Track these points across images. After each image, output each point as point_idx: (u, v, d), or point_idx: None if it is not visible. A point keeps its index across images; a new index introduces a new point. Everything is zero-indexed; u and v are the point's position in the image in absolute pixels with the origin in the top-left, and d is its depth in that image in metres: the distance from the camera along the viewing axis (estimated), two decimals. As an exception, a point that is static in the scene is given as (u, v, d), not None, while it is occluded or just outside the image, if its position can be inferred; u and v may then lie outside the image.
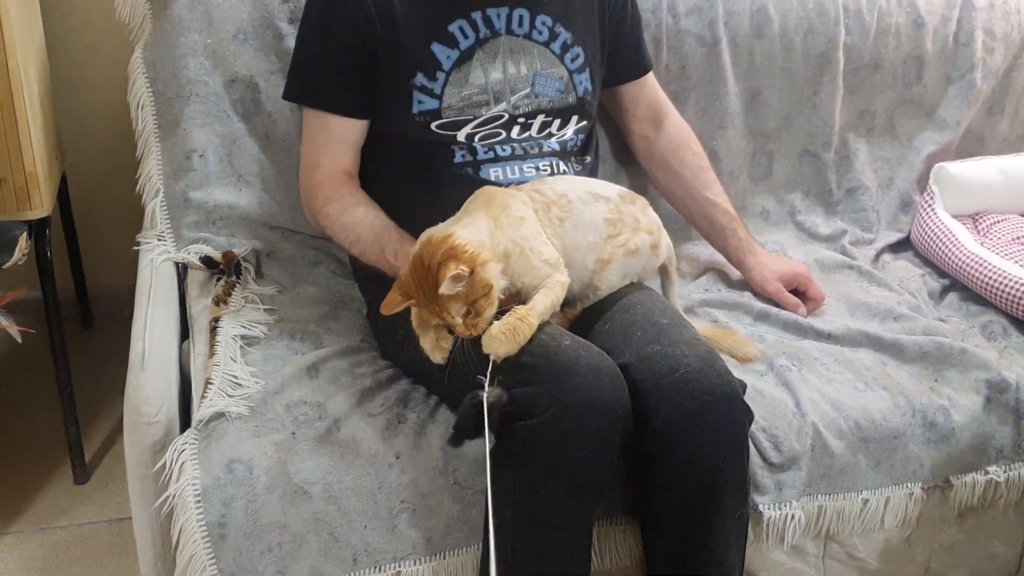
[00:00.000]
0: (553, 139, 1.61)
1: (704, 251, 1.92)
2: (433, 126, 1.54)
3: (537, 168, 1.58)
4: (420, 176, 1.57)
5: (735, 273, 1.86)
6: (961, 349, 1.65)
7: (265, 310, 1.61)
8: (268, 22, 1.69)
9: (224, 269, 1.65)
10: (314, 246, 1.75)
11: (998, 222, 2.00)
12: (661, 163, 1.82)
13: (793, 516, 1.49)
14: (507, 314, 1.28)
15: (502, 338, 1.25)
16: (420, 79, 1.53)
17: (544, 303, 1.31)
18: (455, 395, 1.43)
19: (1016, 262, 1.85)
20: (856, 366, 1.64)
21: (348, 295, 1.70)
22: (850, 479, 1.54)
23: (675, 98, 1.89)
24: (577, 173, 1.63)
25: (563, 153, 1.62)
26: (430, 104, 1.54)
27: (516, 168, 1.56)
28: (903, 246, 2.06)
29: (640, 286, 1.52)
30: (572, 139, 1.63)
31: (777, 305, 1.78)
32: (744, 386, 1.35)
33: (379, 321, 1.60)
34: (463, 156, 1.56)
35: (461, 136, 1.55)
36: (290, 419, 1.39)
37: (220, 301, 1.59)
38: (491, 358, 1.25)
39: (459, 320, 1.27)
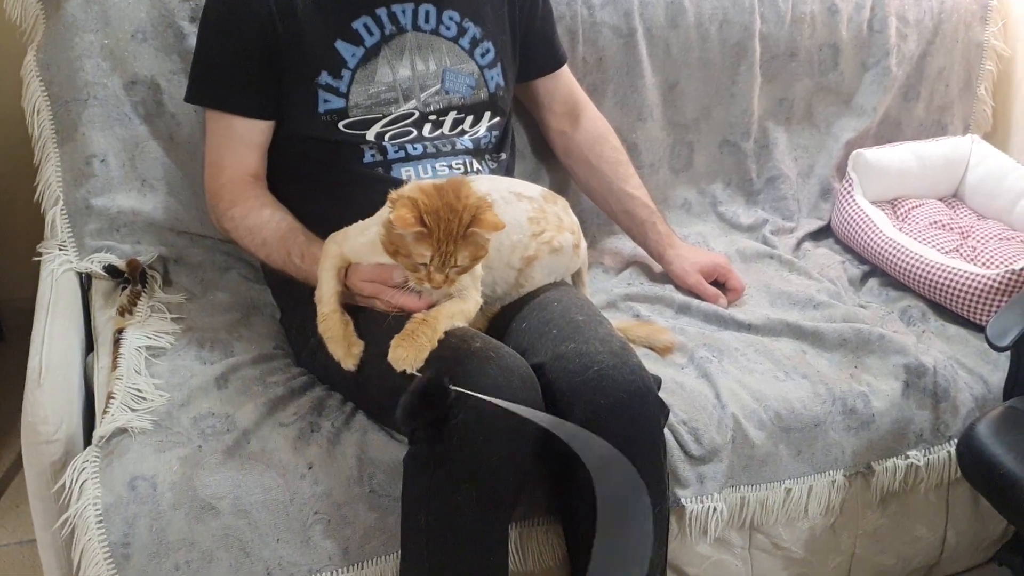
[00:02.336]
0: (466, 136, 1.58)
1: (626, 245, 1.90)
2: (340, 125, 1.50)
3: (450, 167, 1.55)
4: (329, 177, 1.53)
5: (657, 267, 1.85)
6: (880, 335, 1.66)
7: (172, 319, 1.56)
8: (168, 21, 1.64)
9: (129, 278, 1.60)
10: (224, 251, 1.70)
11: (916, 207, 2.02)
12: (579, 158, 1.80)
13: (715, 508, 1.48)
14: (410, 320, 1.25)
15: (404, 345, 1.22)
16: (325, 78, 1.49)
17: (452, 310, 1.28)
18: (370, 401, 1.40)
19: (934, 246, 1.86)
20: (776, 355, 1.64)
21: (261, 300, 1.66)
22: (772, 469, 1.54)
23: (593, 91, 1.87)
24: (492, 171, 1.60)
25: (477, 151, 1.59)
26: (336, 103, 1.50)
27: (428, 167, 1.53)
28: (824, 234, 2.07)
29: (558, 284, 1.50)
30: (486, 136, 1.60)
31: (699, 297, 1.77)
32: (659, 381, 1.33)
33: (292, 327, 1.56)
34: (373, 156, 1.52)
35: (370, 135, 1.52)
36: (196, 432, 1.34)
37: (125, 311, 1.54)
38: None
39: (446, 271, 1.23)
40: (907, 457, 1.61)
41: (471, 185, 1.27)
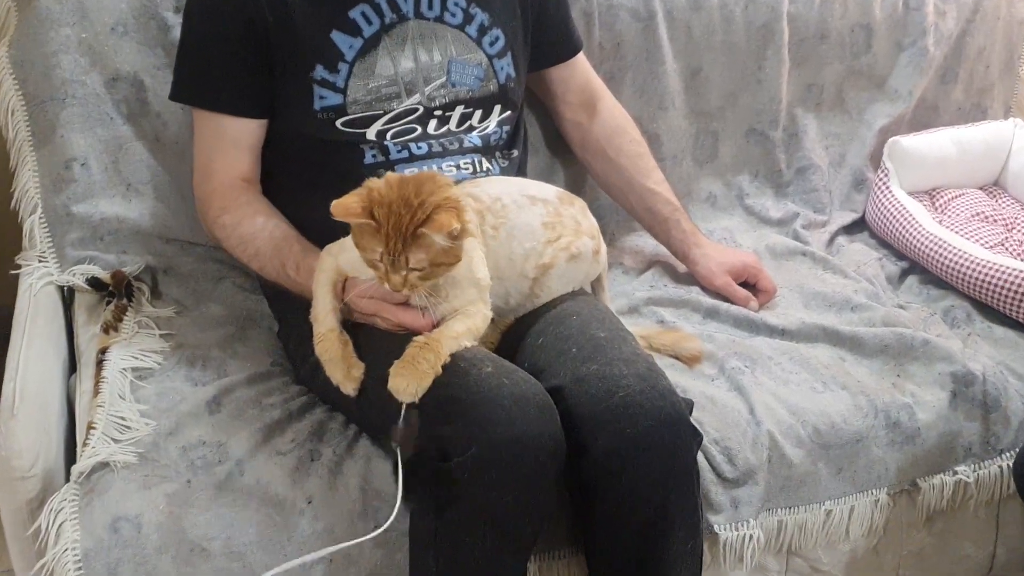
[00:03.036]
0: (474, 133, 1.46)
1: (648, 244, 1.78)
2: (338, 124, 1.38)
3: (458, 166, 1.43)
4: (327, 180, 1.40)
5: (681, 266, 1.72)
6: (924, 340, 1.54)
7: (161, 335, 1.44)
8: (151, 12, 1.51)
9: (114, 291, 1.48)
10: (217, 259, 1.58)
11: (956, 197, 1.89)
12: (598, 152, 1.67)
13: (751, 536, 1.37)
14: (411, 343, 1.13)
15: (404, 373, 1.10)
16: (320, 72, 1.37)
17: (458, 329, 1.17)
18: (374, 426, 1.29)
19: (977, 241, 1.74)
20: (813, 364, 1.52)
21: (258, 312, 1.54)
22: (811, 490, 1.43)
23: (610, 79, 1.74)
24: (503, 169, 1.48)
25: (486, 148, 1.46)
26: (333, 99, 1.37)
27: (434, 167, 1.41)
28: (858, 227, 1.94)
29: (576, 293, 1.38)
30: (495, 132, 1.48)
31: (727, 300, 1.65)
32: (691, 405, 1.22)
33: (290, 341, 1.45)
34: (374, 156, 1.40)
35: (371, 134, 1.40)
36: (185, 464, 1.23)
37: (109, 328, 1.42)
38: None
39: (403, 273, 1.12)
40: (955, 473, 1.49)
41: (444, 182, 1.15)
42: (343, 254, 1.25)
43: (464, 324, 1.18)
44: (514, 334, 1.33)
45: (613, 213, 1.79)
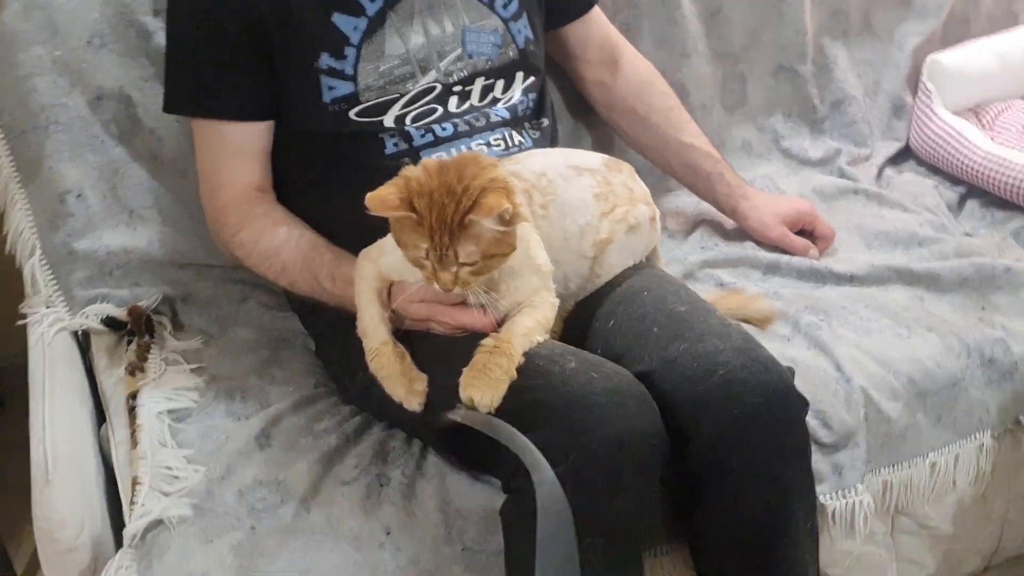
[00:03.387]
0: (500, 105, 1.33)
1: (689, 202, 1.66)
2: (352, 114, 1.26)
3: (488, 144, 1.30)
4: (348, 177, 1.28)
5: (729, 222, 1.61)
6: (1005, 268, 1.44)
7: (192, 370, 1.32)
8: (128, 19, 1.37)
9: (133, 329, 1.36)
10: (237, 279, 1.45)
11: (1002, 111, 1.78)
12: (625, 110, 1.55)
13: (861, 503, 1.26)
14: (479, 348, 1.02)
15: (476, 383, 0.99)
16: (326, 60, 1.24)
17: (527, 325, 1.05)
18: (443, 440, 1.17)
19: (1037, 155, 1.63)
20: (891, 308, 1.41)
21: (289, 331, 1.42)
22: (913, 443, 1.33)
23: (626, 30, 1.61)
24: (535, 141, 1.35)
25: (515, 120, 1.34)
26: (344, 88, 1.25)
27: (463, 149, 1.29)
28: (903, 156, 1.83)
29: (638, 266, 1.26)
30: (522, 101, 1.35)
31: (785, 252, 1.53)
32: (793, 372, 1.10)
33: (332, 360, 1.33)
34: (396, 144, 1.27)
35: (388, 120, 1.27)
36: (246, 510, 1.11)
37: (135, 369, 1.30)
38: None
39: (453, 269, 1.00)
40: (1060, 403, 1.39)
41: (488, 162, 1.03)
42: (384, 257, 1.13)
43: (533, 318, 1.06)
44: (578, 320, 1.22)
45: (646, 174, 1.62)
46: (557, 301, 1.10)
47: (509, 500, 1.02)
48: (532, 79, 1.37)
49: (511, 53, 1.34)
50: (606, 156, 1.29)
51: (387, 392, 1.10)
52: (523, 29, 1.35)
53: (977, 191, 1.69)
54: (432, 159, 1.05)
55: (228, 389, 1.29)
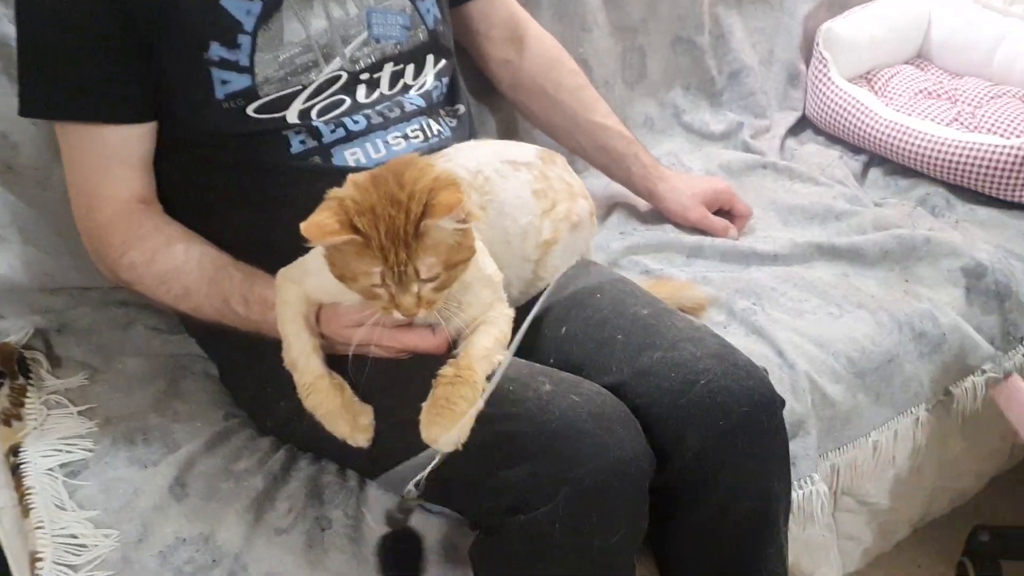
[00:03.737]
0: (412, 92, 1.21)
1: (599, 184, 1.58)
2: (250, 111, 1.10)
3: (406, 136, 1.18)
4: (250, 182, 1.14)
5: (643, 203, 1.54)
6: (925, 239, 1.44)
7: (80, 413, 1.15)
8: (-34, 7, 1.17)
9: (2, 370, 1.17)
10: (119, 300, 1.28)
11: (892, 77, 1.79)
12: (534, 90, 1.45)
13: (818, 491, 1.23)
14: (437, 379, 0.90)
15: (439, 420, 0.88)
16: (216, 51, 1.08)
17: (486, 345, 0.94)
18: (387, 473, 1.06)
19: (932, 119, 1.64)
20: (819, 287, 1.39)
21: (186, 356, 1.26)
22: (855, 424, 1.31)
23: (525, 3, 1.51)
24: (453, 131, 1.24)
25: (430, 108, 1.22)
26: (239, 82, 1.09)
27: (379, 143, 1.16)
28: (801, 126, 1.81)
29: (579, 264, 1.18)
30: (435, 87, 1.24)
31: (704, 233, 1.48)
32: (767, 371, 1.04)
33: (241, 388, 1.19)
34: (303, 142, 1.13)
35: (292, 116, 1.12)
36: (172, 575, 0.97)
37: (10, 418, 1.12)
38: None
39: (415, 290, 0.88)
40: (983, 372, 1.40)
41: (423, 162, 0.92)
42: (309, 278, 0.99)
43: (491, 336, 0.96)
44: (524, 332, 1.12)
45: None
46: (512, 312, 1.00)
47: (484, 539, 0.93)
48: (444, 62, 1.26)
49: (421, 35, 1.22)
50: (538, 147, 1.19)
51: (328, 430, 0.98)
52: (431, 8, 1.23)
53: (878, 159, 1.69)
54: (360, 174, 0.92)
55: (127, 432, 1.13)
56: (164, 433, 1.13)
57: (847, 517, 1.38)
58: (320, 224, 0.86)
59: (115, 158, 1.12)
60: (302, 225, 0.86)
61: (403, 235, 0.87)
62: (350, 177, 0.91)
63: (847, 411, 1.29)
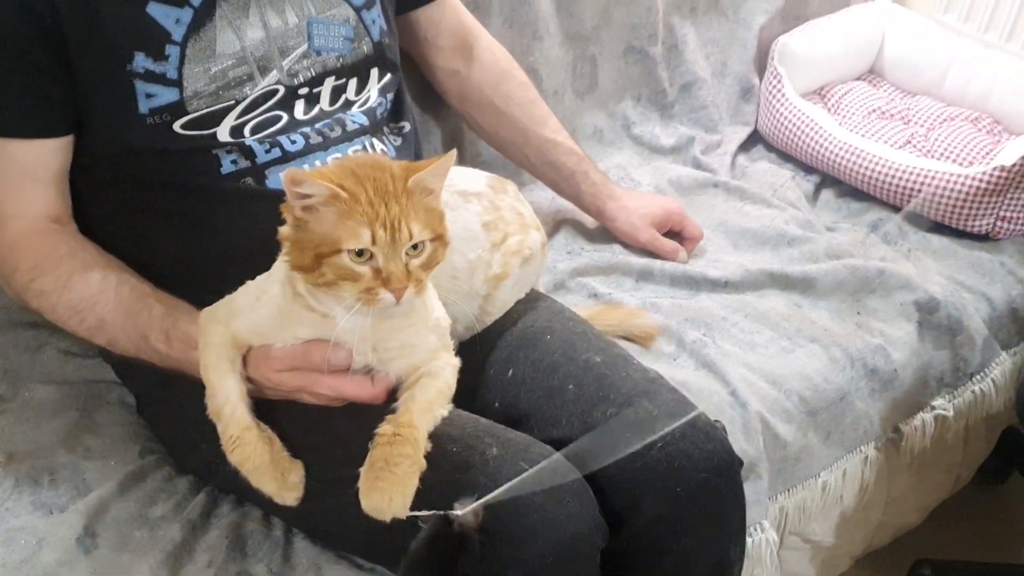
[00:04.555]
0: (355, 108, 1.13)
1: (544, 197, 1.52)
2: (177, 127, 1.01)
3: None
4: (175, 204, 1.04)
5: (591, 220, 1.48)
6: (878, 270, 1.40)
7: (-20, 450, 1.05)
8: None
9: None
10: (27, 322, 1.19)
11: (845, 94, 1.76)
12: (481, 102, 1.38)
13: (768, 539, 1.19)
14: (375, 439, 0.83)
15: (380, 485, 0.81)
16: (141, 62, 0.98)
17: (428, 398, 0.87)
18: (316, 527, 0.99)
19: (885, 142, 1.61)
20: (771, 318, 1.35)
21: (101, 383, 1.17)
22: (805, 465, 1.28)
23: (474, 9, 1.43)
24: (397, 150, 1.17)
25: (373, 126, 1.14)
26: (166, 96, 1.00)
27: (318, 164, 1.08)
28: (753, 141, 1.76)
29: (527, 299, 1.11)
30: (379, 103, 1.16)
31: (653, 255, 1.43)
32: (724, 428, 0.99)
33: (160, 422, 1.11)
34: (234, 162, 1.04)
35: (223, 133, 1.04)
36: (79, 644, 0.89)
37: (-100, 457, 1.02)
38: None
39: (404, 256, 0.82)
40: (933, 408, 1.39)
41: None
42: (237, 319, 0.91)
43: (434, 387, 0.89)
44: (465, 367, 1.05)
45: (498, 167, 1.51)
46: (458, 363, 0.93)
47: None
48: (389, 76, 1.17)
49: (365, 48, 1.13)
50: (489, 174, 1.12)
51: (254, 486, 0.90)
52: (377, 19, 1.15)
53: (831, 180, 1.65)
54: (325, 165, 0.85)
55: (32, 471, 1.04)
56: (74, 472, 1.04)
57: (791, 555, 1.35)
58: (306, 173, 0.80)
59: (24, 175, 1.02)
60: (282, 174, 0.79)
61: (392, 190, 0.81)
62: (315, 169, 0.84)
63: (797, 451, 1.25)
